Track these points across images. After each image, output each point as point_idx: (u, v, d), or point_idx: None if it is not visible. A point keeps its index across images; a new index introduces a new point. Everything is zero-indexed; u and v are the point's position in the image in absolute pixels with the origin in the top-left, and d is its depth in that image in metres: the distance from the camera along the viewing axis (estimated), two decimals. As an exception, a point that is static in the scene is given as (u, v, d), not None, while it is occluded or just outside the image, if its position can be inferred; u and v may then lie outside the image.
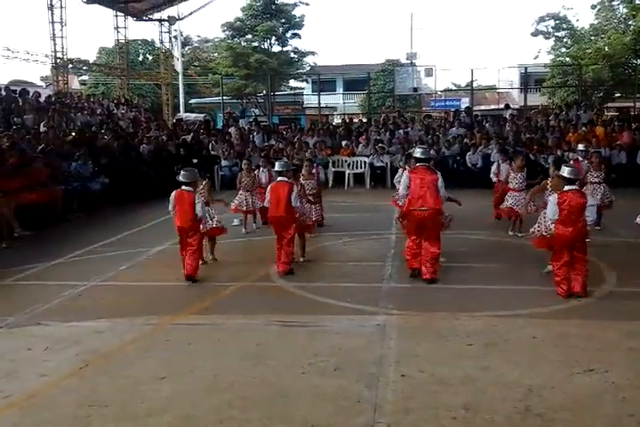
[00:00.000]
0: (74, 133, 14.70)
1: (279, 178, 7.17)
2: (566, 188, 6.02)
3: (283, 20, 33.21)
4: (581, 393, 3.86)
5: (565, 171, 6.09)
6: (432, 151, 14.81)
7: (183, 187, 6.82)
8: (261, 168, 10.00)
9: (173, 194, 6.86)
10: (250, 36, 33.40)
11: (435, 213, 6.56)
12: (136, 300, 6.21)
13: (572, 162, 9.57)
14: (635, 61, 28.87)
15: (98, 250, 8.54)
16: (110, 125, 16.79)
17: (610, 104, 28.10)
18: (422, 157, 6.75)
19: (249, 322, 5.37)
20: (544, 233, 6.51)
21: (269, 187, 7.26)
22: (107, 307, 5.95)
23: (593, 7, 29.78)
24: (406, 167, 8.02)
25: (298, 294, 6.24)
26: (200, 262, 7.07)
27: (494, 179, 9.96)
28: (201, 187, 7.43)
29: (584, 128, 16.43)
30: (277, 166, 7.30)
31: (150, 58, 38.67)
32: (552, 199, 6.12)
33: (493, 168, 10.11)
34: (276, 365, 4.42)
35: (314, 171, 8.94)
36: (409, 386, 4.01)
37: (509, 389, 3.94)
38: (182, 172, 6.96)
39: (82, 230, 10.10)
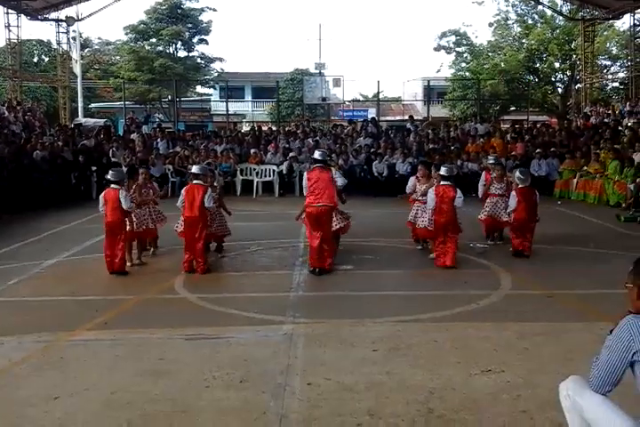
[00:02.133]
0: (-42, 138, 13.66)
1: (194, 180, 7.49)
2: (442, 182, 7.60)
3: (189, 25, 32.65)
4: (479, 393, 4.00)
5: (442, 170, 7.69)
6: (340, 160, 15.23)
7: (112, 185, 7.30)
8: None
9: (103, 193, 7.41)
10: (154, 40, 32.53)
11: (329, 209, 7.31)
12: (27, 316, 5.79)
13: (483, 172, 9.93)
14: (528, 77, 30.93)
15: (-15, 263, 7.93)
16: (2, 130, 15.74)
17: (505, 117, 29.84)
18: (320, 158, 7.57)
19: (150, 336, 5.15)
20: (421, 225, 8.04)
21: (184, 189, 7.56)
22: (-7, 324, 5.52)
23: (490, 25, 31.60)
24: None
25: (202, 306, 6.07)
26: (128, 264, 7.56)
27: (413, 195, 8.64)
28: (132, 190, 7.78)
29: (482, 139, 17.30)
30: (195, 169, 7.69)
31: (46, 59, 36.72)
32: (430, 191, 7.65)
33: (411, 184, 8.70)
34: (179, 379, 4.25)
35: (215, 183, 8.37)
36: (315, 394, 3.99)
37: (412, 392, 4.01)
38: (110, 171, 7.53)
39: (-33, 242, 9.35)
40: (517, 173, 8.28)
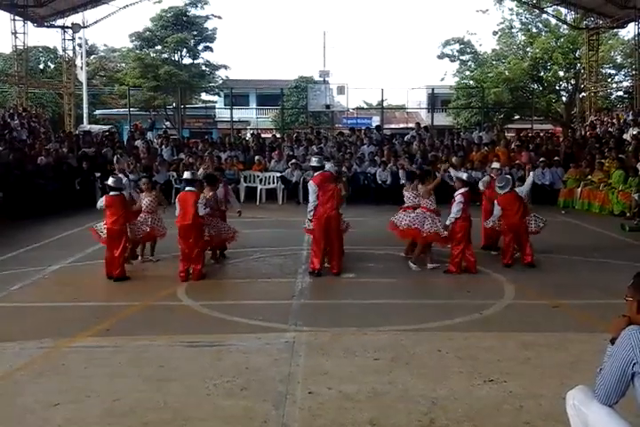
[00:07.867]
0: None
1: (187, 187, 7.44)
2: (462, 189, 7.68)
3: (194, 33, 32.75)
4: (482, 403, 3.97)
5: (464, 175, 8.02)
6: (344, 168, 15.19)
7: (111, 193, 7.40)
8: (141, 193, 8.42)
9: (103, 198, 7.50)
10: (159, 47, 32.65)
11: (337, 215, 7.60)
12: (29, 322, 5.80)
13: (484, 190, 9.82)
14: (532, 86, 30.95)
15: (-12, 268, 7.94)
16: (6, 136, 15.80)
17: (509, 125, 29.83)
18: (317, 164, 7.75)
19: (152, 343, 5.14)
20: (438, 231, 7.77)
21: (178, 197, 7.53)
22: (-5, 330, 5.51)
23: (494, 33, 31.66)
24: None
25: (205, 313, 6.05)
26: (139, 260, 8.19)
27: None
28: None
29: (486, 148, 17.27)
30: (186, 175, 7.64)
31: (52, 66, 36.90)
32: (459, 198, 7.60)
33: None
34: (180, 387, 4.24)
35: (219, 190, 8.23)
36: (316, 403, 3.97)
37: (414, 402, 3.99)
38: (111, 178, 7.63)
39: (-29, 247, 9.36)
40: (496, 182, 8.38)
